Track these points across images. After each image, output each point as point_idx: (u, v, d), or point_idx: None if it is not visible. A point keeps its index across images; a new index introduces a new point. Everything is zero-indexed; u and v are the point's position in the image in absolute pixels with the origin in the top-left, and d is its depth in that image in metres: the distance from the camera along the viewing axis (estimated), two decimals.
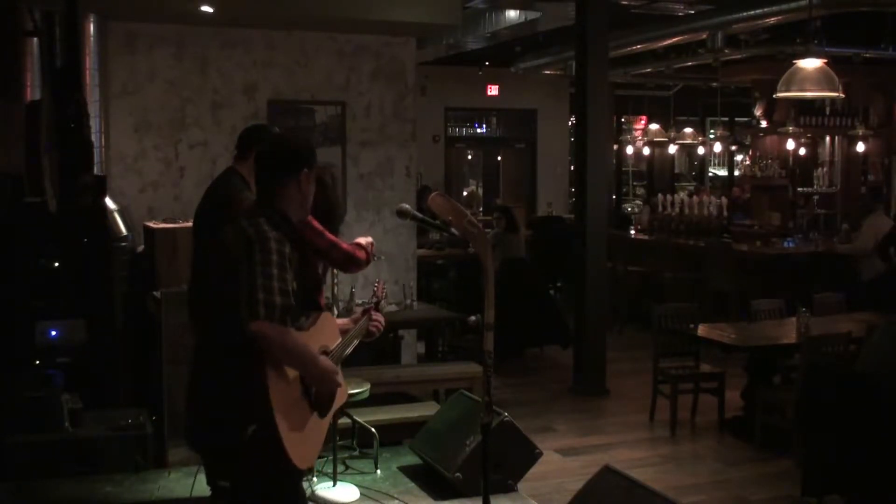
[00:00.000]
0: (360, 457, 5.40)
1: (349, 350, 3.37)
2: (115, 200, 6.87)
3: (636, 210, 15.56)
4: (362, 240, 4.23)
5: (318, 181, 3.35)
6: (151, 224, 6.64)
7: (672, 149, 17.05)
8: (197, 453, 3.60)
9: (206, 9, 6.99)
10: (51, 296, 5.95)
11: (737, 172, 17.30)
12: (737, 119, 17.54)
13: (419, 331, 8.25)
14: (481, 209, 15.24)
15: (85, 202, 6.11)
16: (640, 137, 17.54)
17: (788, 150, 13.75)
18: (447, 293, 9.75)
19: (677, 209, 11.73)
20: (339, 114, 8.08)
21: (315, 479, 4.93)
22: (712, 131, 17.01)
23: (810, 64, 7.69)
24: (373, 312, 3.52)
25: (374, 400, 5.27)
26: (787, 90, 7.82)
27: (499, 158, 16.79)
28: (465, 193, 16.44)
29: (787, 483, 5.60)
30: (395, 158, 8.27)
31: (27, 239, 5.99)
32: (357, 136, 8.14)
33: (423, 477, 5.14)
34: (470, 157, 17.02)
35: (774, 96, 8.38)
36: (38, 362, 5.75)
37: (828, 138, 14.28)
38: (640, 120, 18.41)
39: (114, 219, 6.64)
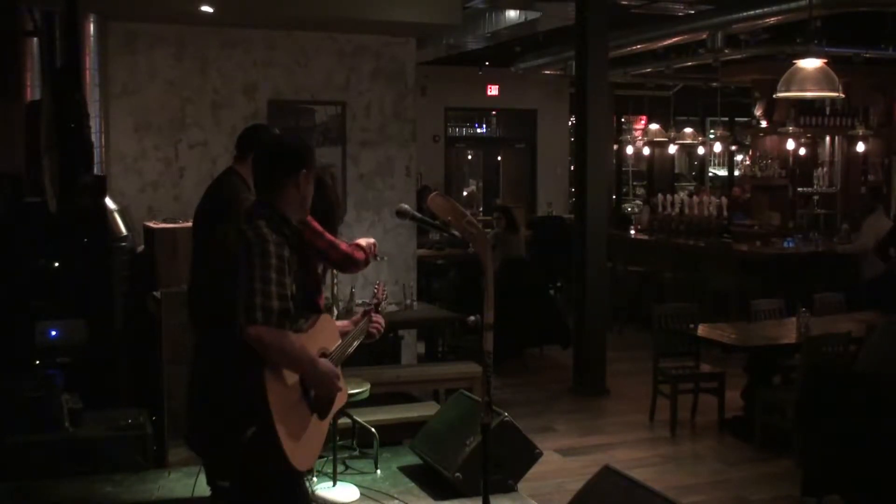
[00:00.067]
0: (360, 457, 5.41)
1: (349, 352, 3.36)
2: (115, 200, 6.86)
3: (636, 210, 15.55)
4: (363, 241, 4.23)
5: (318, 181, 3.34)
6: (151, 224, 6.64)
7: (672, 149, 17.04)
8: (197, 455, 3.61)
9: (206, 9, 6.99)
10: (51, 296, 5.96)
11: (737, 172, 17.30)
12: (737, 119, 17.54)
13: (419, 331, 8.25)
14: (481, 209, 15.24)
15: (85, 202, 6.12)
16: (640, 137, 17.53)
17: (788, 150, 13.75)
18: (447, 293, 9.75)
19: (677, 209, 11.72)
20: (339, 114, 8.08)
21: (315, 479, 4.93)
22: (712, 131, 16.98)
23: (810, 64, 7.69)
24: (373, 314, 3.51)
25: (374, 400, 5.27)
26: (787, 90, 7.82)
27: (499, 158, 16.78)
28: (465, 193, 16.44)
29: (787, 483, 5.60)
30: (395, 158, 8.27)
31: (27, 239, 5.99)
32: (357, 136, 8.14)
33: (423, 477, 5.14)
34: (470, 157, 17.02)
35: (774, 96, 8.38)
36: (38, 362, 5.75)
37: (828, 138, 14.28)
38: (640, 120, 18.40)
39: (114, 219, 6.63)
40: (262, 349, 2.82)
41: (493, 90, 15.36)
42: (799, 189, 14.03)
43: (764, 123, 14.09)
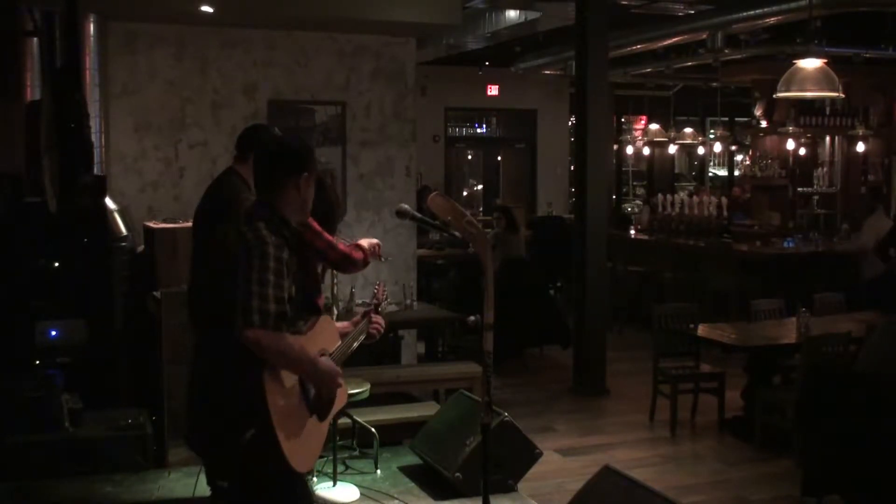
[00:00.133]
0: (360, 457, 5.41)
1: (349, 353, 3.36)
2: (115, 200, 6.86)
3: (636, 210, 15.55)
4: (364, 242, 4.23)
5: (318, 182, 3.34)
6: (151, 224, 6.64)
7: (672, 149, 17.04)
8: (197, 455, 3.61)
9: (206, 9, 6.99)
10: (51, 296, 5.96)
11: (737, 172, 17.30)
12: (737, 119, 17.54)
13: (419, 331, 8.26)
14: (481, 209, 15.23)
15: (85, 202, 6.12)
16: (640, 137, 17.53)
17: (788, 150, 13.75)
18: (447, 293, 9.75)
19: (677, 209, 11.72)
20: (339, 114, 8.08)
21: (315, 479, 4.93)
22: (712, 131, 16.98)
23: (810, 64, 7.69)
24: (372, 315, 3.51)
25: (374, 400, 5.27)
26: (787, 90, 7.82)
27: (499, 158, 16.78)
28: (465, 193, 16.44)
29: (787, 483, 5.60)
30: (395, 158, 8.28)
31: (27, 239, 5.99)
32: (357, 136, 8.14)
33: (423, 477, 5.14)
34: (470, 157, 17.02)
35: (774, 96, 8.38)
36: (38, 362, 5.75)
37: (828, 138, 14.28)
38: (640, 120, 18.40)
39: (114, 219, 6.63)
40: (259, 352, 2.82)
41: (493, 90, 15.35)
42: (799, 189, 14.02)
43: (764, 123, 14.08)
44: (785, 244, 10.20)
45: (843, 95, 8.44)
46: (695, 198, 11.84)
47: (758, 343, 6.54)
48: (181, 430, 5.27)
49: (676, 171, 19.51)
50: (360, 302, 6.65)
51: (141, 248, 6.82)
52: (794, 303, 7.02)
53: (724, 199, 11.60)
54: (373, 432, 5.28)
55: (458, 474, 4.78)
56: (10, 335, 5.82)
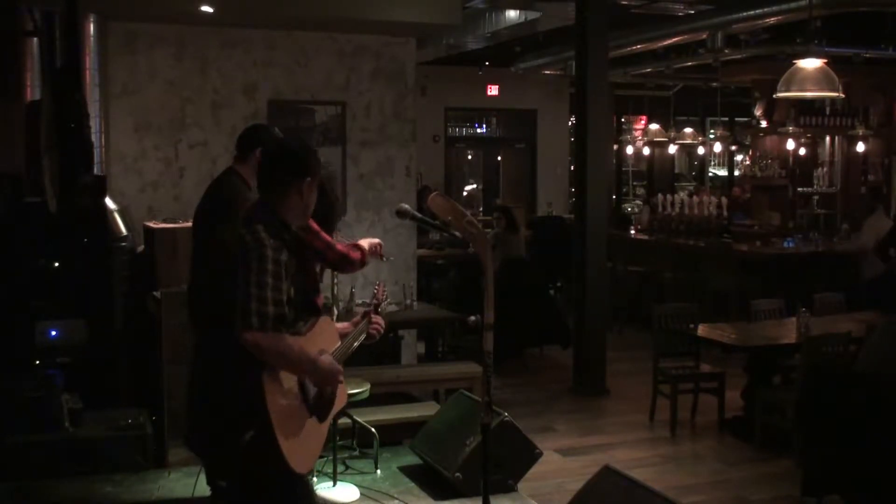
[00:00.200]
0: (360, 457, 5.41)
1: (349, 353, 3.36)
2: (115, 200, 6.87)
3: (636, 210, 15.55)
4: (365, 242, 4.23)
5: (319, 186, 3.34)
6: (151, 224, 6.64)
7: (672, 149, 17.04)
8: (196, 455, 3.61)
9: (206, 9, 6.99)
10: (51, 296, 5.96)
11: (737, 172, 17.29)
12: (737, 119, 17.54)
13: (419, 331, 8.26)
14: (481, 209, 15.23)
15: (85, 202, 6.12)
16: (640, 137, 17.53)
17: (788, 150, 13.75)
18: (447, 293, 9.75)
19: (677, 209, 11.72)
20: (339, 114, 8.08)
21: (315, 479, 4.93)
22: (712, 131, 16.98)
23: (810, 64, 7.69)
24: (372, 315, 3.51)
25: (374, 400, 5.28)
26: (787, 90, 7.82)
27: (499, 158, 16.78)
28: (465, 193, 16.44)
29: (787, 483, 5.60)
30: (395, 158, 8.28)
31: (27, 239, 5.99)
32: (357, 136, 8.14)
33: (423, 477, 5.14)
34: (470, 157, 17.02)
35: (774, 96, 8.38)
36: (38, 362, 5.75)
37: (828, 138, 14.28)
38: (640, 120, 18.40)
39: (114, 219, 6.63)
40: (259, 354, 2.82)
41: (493, 90, 15.35)
42: (799, 189, 14.02)
43: (764, 123, 14.08)
44: (785, 244, 10.20)
45: (843, 95, 8.43)
46: (695, 198, 11.84)
47: (758, 343, 6.54)
48: (181, 430, 5.27)
49: (676, 171, 19.51)
50: (360, 302, 6.65)
51: (141, 248, 6.82)
52: (794, 303, 7.01)
53: (724, 199, 11.60)
54: (373, 432, 5.28)
55: (458, 474, 4.79)
56: (10, 335, 5.82)
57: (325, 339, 3.17)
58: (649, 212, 12.60)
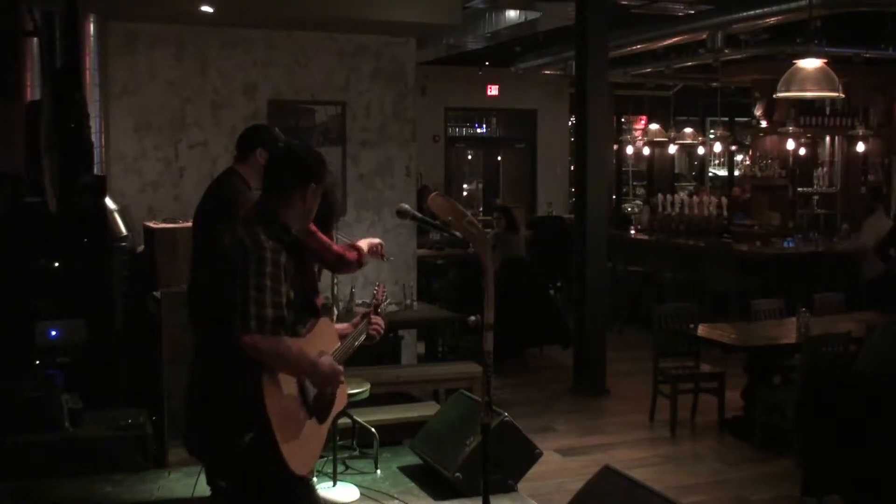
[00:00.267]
0: (360, 457, 5.41)
1: (349, 354, 3.36)
2: (115, 200, 6.87)
3: (636, 210, 15.55)
4: (364, 242, 4.22)
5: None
6: (151, 224, 6.64)
7: (672, 149, 17.04)
8: (195, 456, 3.61)
9: (206, 9, 6.99)
10: (51, 296, 5.96)
11: (737, 172, 17.30)
12: (737, 119, 17.54)
13: (419, 331, 8.26)
14: (481, 209, 15.23)
15: (85, 202, 6.12)
16: (640, 137, 17.53)
17: (788, 150, 13.75)
18: (447, 293, 9.75)
19: (677, 209, 11.72)
20: (339, 114, 8.08)
21: (315, 479, 4.93)
22: (712, 131, 16.98)
23: (810, 64, 7.69)
24: (372, 316, 3.50)
25: (374, 400, 5.28)
26: (787, 90, 7.82)
27: (499, 158, 16.78)
28: (465, 193, 16.44)
29: (787, 483, 5.60)
30: (395, 158, 8.28)
31: (27, 239, 5.99)
32: (357, 136, 8.14)
33: (423, 477, 5.14)
34: (470, 157, 17.02)
35: (774, 96, 8.38)
36: (38, 362, 5.75)
37: (828, 138, 14.28)
38: (640, 120, 18.40)
39: (114, 219, 6.64)
40: (258, 357, 2.82)
41: (493, 90, 15.36)
42: (799, 189, 14.02)
43: (764, 123, 14.08)
44: (785, 244, 10.20)
45: (843, 95, 8.43)
46: (695, 198, 11.84)
47: (758, 343, 6.54)
48: (181, 430, 5.27)
49: (676, 171, 19.51)
50: (359, 302, 6.65)
51: (141, 248, 6.82)
52: (794, 303, 7.02)
53: (724, 199, 11.60)
54: (373, 432, 5.28)
55: (458, 474, 4.79)
56: (10, 335, 5.82)
57: (324, 341, 3.16)
58: (649, 212, 12.60)
